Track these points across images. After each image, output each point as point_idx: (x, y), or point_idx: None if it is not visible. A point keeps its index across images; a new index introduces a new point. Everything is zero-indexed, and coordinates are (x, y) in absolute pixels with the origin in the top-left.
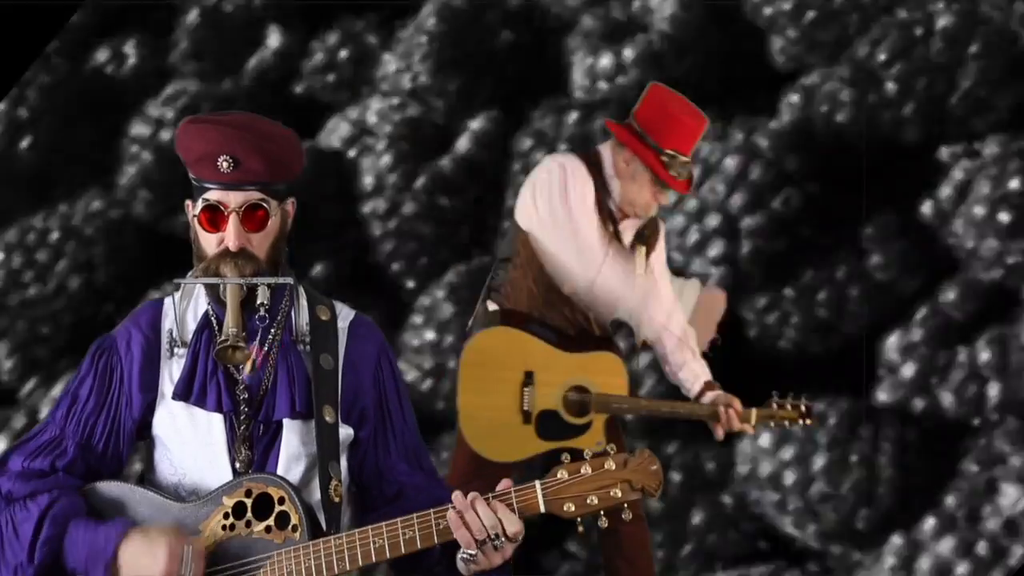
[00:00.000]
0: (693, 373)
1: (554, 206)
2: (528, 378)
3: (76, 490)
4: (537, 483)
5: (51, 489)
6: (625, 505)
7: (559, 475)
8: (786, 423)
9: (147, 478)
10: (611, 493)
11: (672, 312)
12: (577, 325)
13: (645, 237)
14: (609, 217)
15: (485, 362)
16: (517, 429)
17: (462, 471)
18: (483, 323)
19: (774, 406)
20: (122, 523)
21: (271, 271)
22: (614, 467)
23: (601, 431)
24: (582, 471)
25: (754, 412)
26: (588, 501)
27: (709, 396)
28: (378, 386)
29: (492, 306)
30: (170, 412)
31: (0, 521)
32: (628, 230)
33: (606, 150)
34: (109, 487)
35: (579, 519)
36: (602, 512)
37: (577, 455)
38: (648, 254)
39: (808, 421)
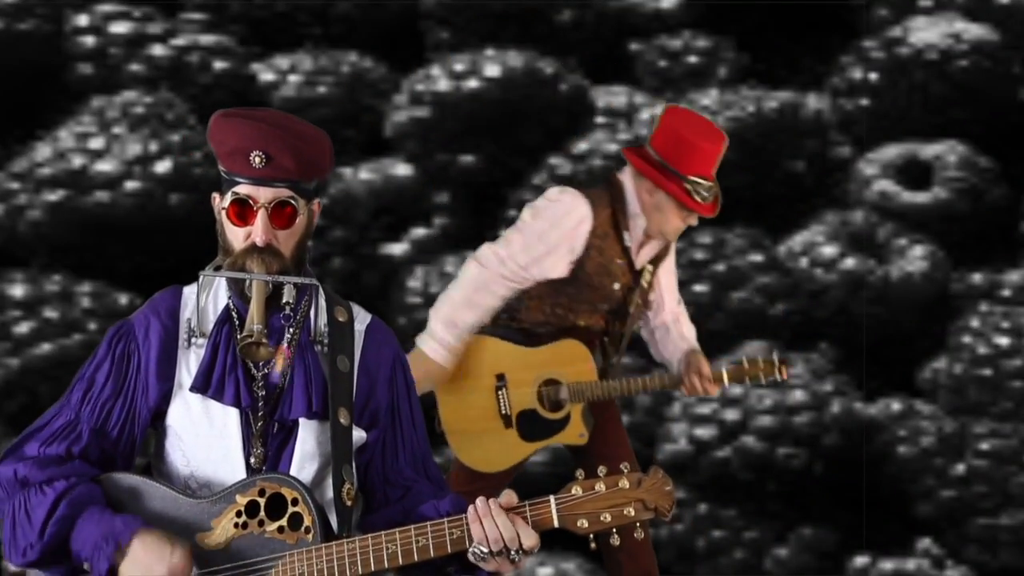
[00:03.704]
0: (676, 347)
1: (531, 225)
2: (500, 380)
3: (93, 479)
4: (552, 498)
5: (68, 476)
6: (637, 524)
7: (573, 491)
8: (760, 377)
9: (156, 467)
10: (624, 512)
11: (681, 317)
12: (598, 332)
13: (659, 258)
14: (621, 248)
15: (456, 375)
16: (501, 435)
17: (461, 481)
18: None
19: (745, 364)
20: (140, 520)
21: (295, 270)
22: (628, 486)
23: (580, 423)
24: (596, 488)
25: (725, 372)
26: (602, 518)
27: (683, 361)
28: (392, 391)
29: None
30: (185, 403)
31: (13, 503)
32: (647, 254)
33: (628, 180)
34: (123, 478)
35: (592, 535)
36: (615, 529)
37: (591, 472)
38: (655, 268)
39: (783, 374)
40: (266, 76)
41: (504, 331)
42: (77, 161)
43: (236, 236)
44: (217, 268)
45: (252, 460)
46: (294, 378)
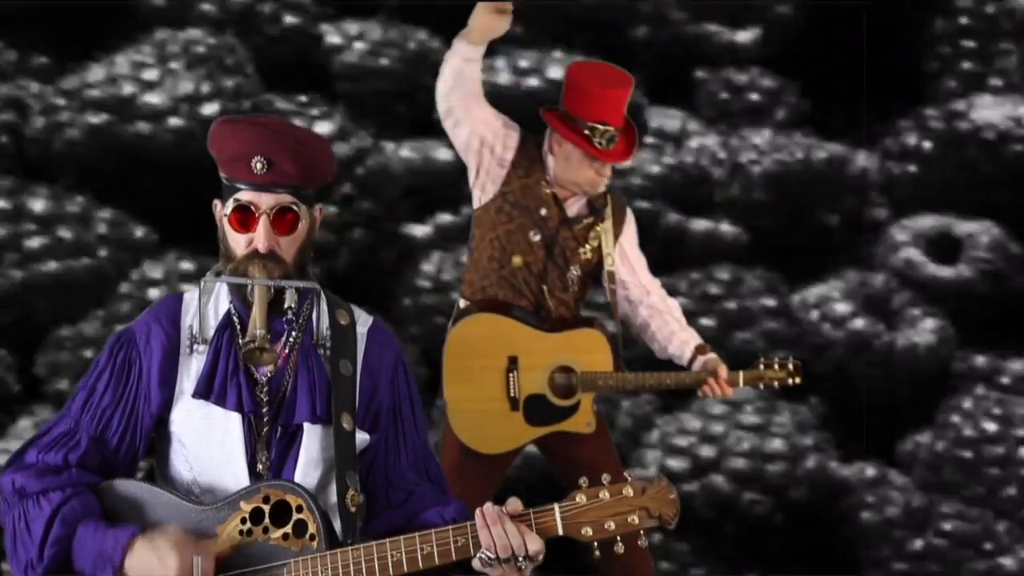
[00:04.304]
0: (682, 341)
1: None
2: (512, 363)
3: (90, 488)
4: (556, 506)
5: (64, 487)
6: (642, 532)
7: (577, 499)
8: (775, 383)
9: (159, 473)
10: (629, 520)
11: (652, 289)
12: (534, 299)
13: (600, 211)
14: (543, 177)
15: (468, 352)
16: (506, 417)
17: (452, 465)
18: (458, 318)
19: (761, 367)
20: (129, 530)
21: (297, 275)
22: (632, 494)
23: (590, 411)
24: (600, 496)
25: (741, 375)
26: (606, 526)
27: (699, 362)
28: (394, 394)
29: (462, 303)
30: (188, 409)
31: (13, 515)
32: (575, 205)
33: (546, 137)
34: (127, 486)
35: (596, 543)
36: (618, 537)
37: (595, 480)
38: (616, 236)
39: (797, 380)
40: (332, 39)
41: (520, 313)
42: (127, 89)
43: (238, 243)
44: (218, 274)
45: (259, 467)
46: (298, 382)
